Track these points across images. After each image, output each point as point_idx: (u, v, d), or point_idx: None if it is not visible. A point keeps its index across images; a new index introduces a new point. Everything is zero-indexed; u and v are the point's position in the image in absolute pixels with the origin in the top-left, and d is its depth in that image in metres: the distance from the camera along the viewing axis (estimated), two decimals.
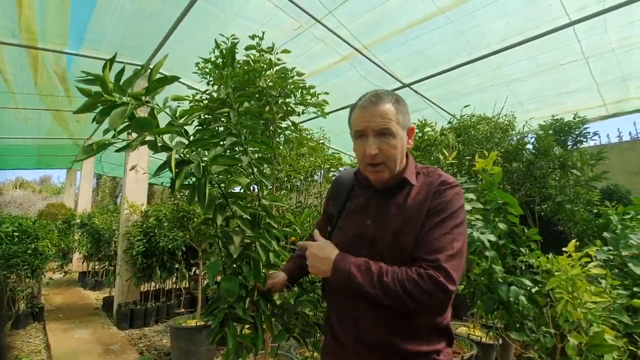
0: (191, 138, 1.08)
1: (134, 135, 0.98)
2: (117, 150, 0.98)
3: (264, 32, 2.26)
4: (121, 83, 0.94)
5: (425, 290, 0.86)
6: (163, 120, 0.89)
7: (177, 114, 1.05)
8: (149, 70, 1.01)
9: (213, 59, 2.32)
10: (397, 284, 0.88)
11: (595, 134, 3.92)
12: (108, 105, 0.92)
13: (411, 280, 0.87)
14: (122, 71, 0.96)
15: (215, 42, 2.22)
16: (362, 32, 4.06)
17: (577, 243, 1.63)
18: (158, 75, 0.99)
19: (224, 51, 1.86)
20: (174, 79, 0.98)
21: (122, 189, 5.33)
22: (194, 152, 1.07)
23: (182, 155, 1.05)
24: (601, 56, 4.27)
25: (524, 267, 2.03)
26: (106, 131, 0.94)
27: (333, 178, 1.48)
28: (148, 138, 0.99)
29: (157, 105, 1.01)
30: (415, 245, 0.96)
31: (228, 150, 1.27)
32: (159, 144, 1.01)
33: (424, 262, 0.90)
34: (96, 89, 0.92)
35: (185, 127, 1.07)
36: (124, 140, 0.98)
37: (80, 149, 0.92)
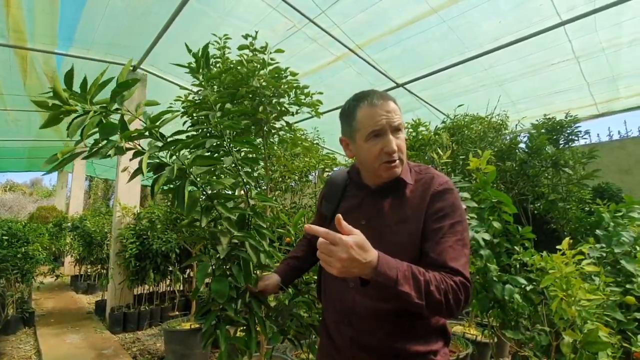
0: (166, 141, 1.06)
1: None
2: (85, 157, 0.97)
3: (257, 32, 2.24)
4: (91, 88, 0.93)
5: (460, 299, 0.86)
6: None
7: (150, 118, 1.03)
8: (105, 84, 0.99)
9: (191, 63, 2.28)
10: (441, 293, 0.84)
11: (586, 132, 3.98)
12: (72, 115, 0.91)
13: (451, 290, 0.86)
14: (84, 81, 0.95)
15: (186, 45, 2.10)
16: (356, 32, 4.06)
17: (571, 241, 1.64)
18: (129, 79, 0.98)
19: (197, 54, 1.82)
20: (135, 81, 0.97)
21: (115, 191, 5.27)
22: (174, 156, 1.04)
23: (161, 159, 1.04)
24: (591, 56, 4.31)
25: (518, 266, 2.04)
26: (77, 143, 0.94)
27: (326, 178, 1.47)
28: (116, 145, 0.97)
29: (129, 111, 0.99)
30: (428, 250, 0.94)
31: (214, 152, 1.26)
32: (134, 150, 0.99)
33: (448, 270, 0.89)
34: (52, 102, 0.90)
35: (160, 130, 1.05)
36: (98, 147, 0.96)
37: (45, 160, 0.93)
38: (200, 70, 1.51)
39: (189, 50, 1.98)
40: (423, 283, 0.82)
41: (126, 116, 0.98)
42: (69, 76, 0.88)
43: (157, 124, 1.02)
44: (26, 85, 5.19)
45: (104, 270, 6.29)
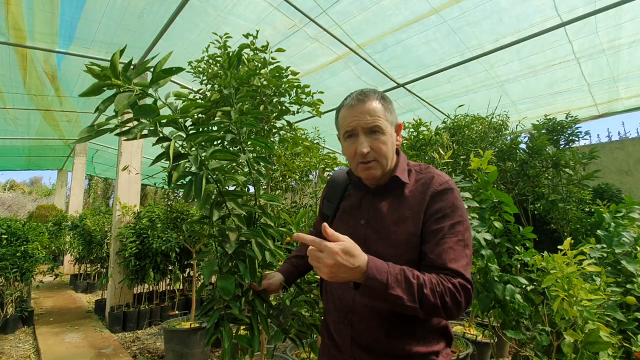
0: (190, 132, 1.08)
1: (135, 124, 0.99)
2: (118, 134, 0.99)
3: (257, 31, 2.24)
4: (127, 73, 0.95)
5: (459, 302, 0.86)
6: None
7: (178, 109, 1.06)
8: (152, 67, 1.02)
9: (207, 58, 2.30)
10: (436, 296, 0.83)
11: (587, 133, 3.98)
12: (114, 89, 0.93)
13: (449, 292, 0.85)
14: (129, 63, 0.98)
15: (224, 44, 2.20)
16: (356, 32, 4.06)
17: (572, 241, 1.64)
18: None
19: (230, 53, 1.86)
20: (179, 70, 1.00)
21: (115, 190, 5.27)
22: (193, 148, 1.06)
23: (180, 150, 1.06)
24: (592, 57, 4.32)
25: (519, 266, 2.04)
26: (109, 118, 0.96)
27: (327, 178, 1.47)
28: (148, 128, 1.00)
29: (160, 98, 1.02)
30: (427, 251, 0.93)
31: (226, 148, 1.26)
32: (160, 134, 1.02)
33: (447, 271, 0.89)
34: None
35: (184, 122, 1.07)
36: (124, 125, 0.98)
37: (82, 129, 0.96)
38: (232, 69, 1.53)
39: (225, 47, 2.02)
40: (416, 286, 0.82)
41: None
42: (117, 56, 0.93)
43: (186, 114, 1.05)
44: (26, 84, 5.19)
45: (104, 269, 6.29)
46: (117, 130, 0.97)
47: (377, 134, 1.00)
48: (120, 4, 3.59)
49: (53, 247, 7.40)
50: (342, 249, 0.78)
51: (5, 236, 4.44)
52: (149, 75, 1.05)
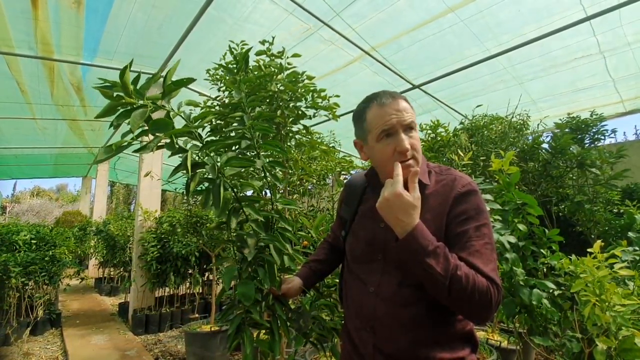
0: (205, 141, 1.08)
1: (151, 137, 1.00)
2: (135, 151, 1.01)
3: (274, 37, 2.27)
4: (138, 88, 0.96)
5: (488, 300, 0.84)
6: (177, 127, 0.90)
7: (191, 118, 1.07)
8: (162, 78, 1.03)
9: (224, 64, 2.34)
10: (468, 283, 0.82)
11: (613, 131, 3.82)
12: (128, 108, 0.94)
13: (482, 285, 0.83)
14: (138, 77, 0.99)
15: (229, 48, 2.24)
16: (371, 34, 4.05)
17: (602, 244, 1.57)
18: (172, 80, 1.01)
19: (238, 57, 1.89)
20: (190, 80, 1.01)
21: (136, 195, 5.41)
22: (208, 156, 1.07)
23: (197, 158, 1.06)
24: (616, 51, 4.16)
25: (545, 270, 1.97)
26: (124, 135, 0.96)
27: (345, 181, 1.46)
28: (164, 141, 1.00)
29: (172, 109, 1.02)
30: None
31: (241, 154, 1.27)
32: (176, 146, 1.02)
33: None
34: (116, 93, 0.94)
35: (198, 131, 1.08)
36: (141, 142, 0.99)
37: (100, 149, 0.98)
38: (240, 73, 1.56)
39: (231, 52, 2.06)
40: (452, 265, 0.83)
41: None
42: (128, 75, 0.94)
43: (198, 124, 1.06)
44: (53, 95, 5.41)
45: (127, 273, 6.45)
46: (134, 147, 0.99)
47: (413, 131, 1.00)
48: (141, 17, 3.70)
49: (79, 252, 7.65)
50: (403, 196, 0.85)
51: (35, 241, 4.62)
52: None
